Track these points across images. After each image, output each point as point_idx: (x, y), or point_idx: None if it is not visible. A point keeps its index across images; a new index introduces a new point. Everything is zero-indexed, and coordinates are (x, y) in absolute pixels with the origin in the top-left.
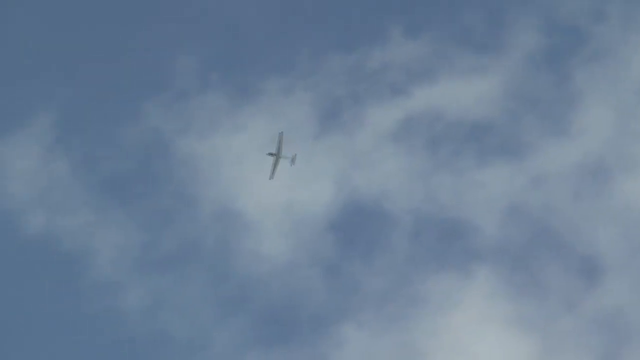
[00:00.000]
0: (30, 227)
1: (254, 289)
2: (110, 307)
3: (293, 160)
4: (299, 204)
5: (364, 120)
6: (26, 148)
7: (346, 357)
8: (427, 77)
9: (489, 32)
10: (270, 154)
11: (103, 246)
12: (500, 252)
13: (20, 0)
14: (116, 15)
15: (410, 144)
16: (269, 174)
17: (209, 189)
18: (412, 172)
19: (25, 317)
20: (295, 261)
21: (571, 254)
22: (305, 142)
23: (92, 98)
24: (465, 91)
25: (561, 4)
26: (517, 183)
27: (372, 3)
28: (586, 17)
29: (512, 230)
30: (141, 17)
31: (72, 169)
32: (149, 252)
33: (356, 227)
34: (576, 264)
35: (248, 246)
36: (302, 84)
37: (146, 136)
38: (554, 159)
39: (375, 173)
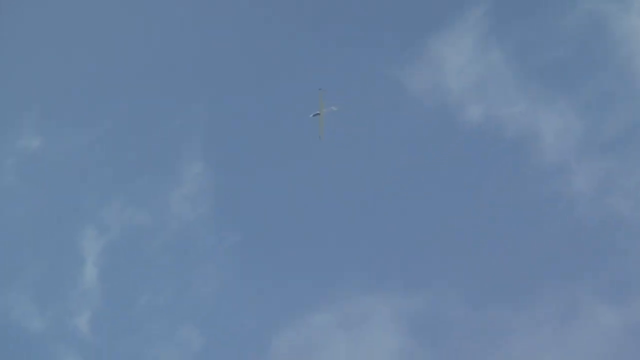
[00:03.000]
0: (469, 118)
1: None
2: (557, 192)
3: (334, 108)
4: None
5: None
6: (461, 41)
7: None
8: None
9: None
10: (315, 115)
11: (544, 133)
12: None
13: None
14: None
15: None
16: (319, 133)
17: None
18: None
19: (476, 207)
20: None
21: None
22: None
23: None
24: None
25: None
26: None
27: None
28: None
29: None
30: None
31: (507, 57)
32: (591, 135)
33: None
34: None
35: None
36: None
37: (582, 19)
38: None
39: None
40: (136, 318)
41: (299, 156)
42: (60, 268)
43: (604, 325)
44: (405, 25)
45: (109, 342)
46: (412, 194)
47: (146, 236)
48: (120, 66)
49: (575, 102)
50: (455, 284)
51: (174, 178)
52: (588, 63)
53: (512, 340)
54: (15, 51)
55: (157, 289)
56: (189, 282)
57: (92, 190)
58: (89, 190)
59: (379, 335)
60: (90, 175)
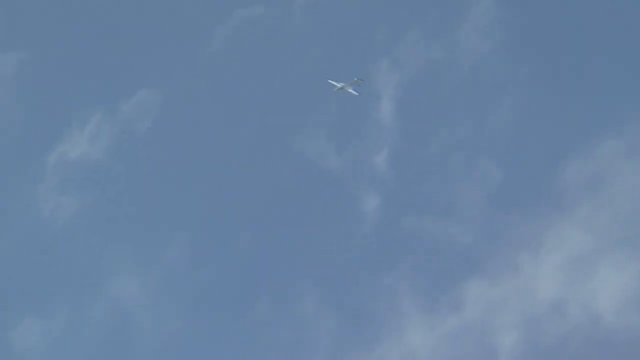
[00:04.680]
0: None
1: None
2: None
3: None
4: None
5: None
6: None
7: None
8: None
9: None
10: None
11: None
12: None
13: None
14: None
15: None
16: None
17: None
18: None
19: None
20: None
21: None
22: None
23: None
24: None
25: None
26: None
27: None
28: None
29: None
30: None
31: None
32: None
33: None
34: None
35: None
36: None
37: None
38: None
39: None
40: (433, 154)
41: None
42: (355, 105)
43: None
44: None
45: (406, 178)
46: None
47: (440, 71)
48: None
49: None
50: None
51: (464, 12)
52: None
53: None
54: None
55: (453, 123)
56: (485, 116)
57: (385, 26)
58: (382, 26)
59: None
60: (385, 10)
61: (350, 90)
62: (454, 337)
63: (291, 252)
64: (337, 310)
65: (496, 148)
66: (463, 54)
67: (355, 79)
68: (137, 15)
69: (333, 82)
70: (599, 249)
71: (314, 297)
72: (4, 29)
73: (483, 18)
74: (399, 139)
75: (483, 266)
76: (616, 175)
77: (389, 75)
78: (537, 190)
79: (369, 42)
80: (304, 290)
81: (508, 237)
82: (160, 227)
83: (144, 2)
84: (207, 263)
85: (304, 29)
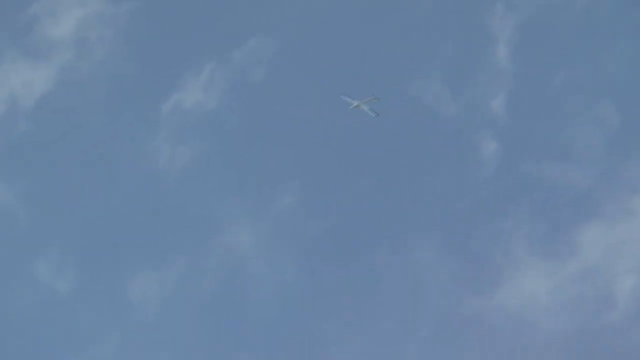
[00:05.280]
0: None
1: None
2: None
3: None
4: None
5: None
6: None
7: None
8: None
9: None
10: (355, 107)
11: None
12: None
13: None
14: None
15: None
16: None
17: None
18: None
19: None
20: None
21: None
22: None
23: None
24: None
25: None
26: None
27: None
28: None
29: None
30: None
31: None
32: None
33: None
34: None
35: None
36: None
37: None
38: None
39: None
40: (551, 97)
41: None
42: (471, 49)
43: None
44: None
45: (524, 122)
46: None
47: (556, 13)
48: None
49: None
50: None
51: None
52: None
53: None
54: None
55: (572, 66)
56: (602, 58)
57: None
58: None
59: None
60: None
61: (366, 110)
62: (572, 282)
63: (408, 198)
64: (455, 257)
65: (614, 91)
66: None
67: (371, 97)
68: None
69: (348, 99)
70: None
71: (431, 244)
72: None
73: None
74: (516, 83)
75: (600, 210)
76: None
77: (504, 19)
78: None
79: None
80: (422, 237)
81: (625, 180)
82: (273, 175)
83: None
84: (322, 211)
85: None
